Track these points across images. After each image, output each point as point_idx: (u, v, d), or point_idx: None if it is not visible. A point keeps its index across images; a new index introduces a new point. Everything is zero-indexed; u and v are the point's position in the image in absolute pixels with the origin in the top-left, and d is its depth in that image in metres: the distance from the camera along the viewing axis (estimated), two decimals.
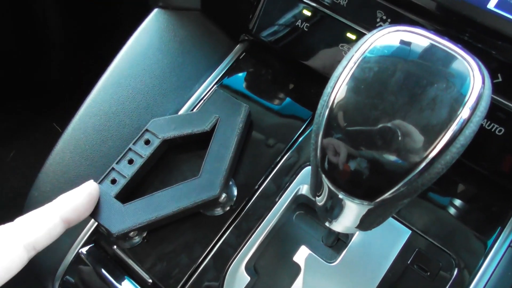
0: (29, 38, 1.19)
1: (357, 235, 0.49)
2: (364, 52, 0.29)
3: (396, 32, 0.29)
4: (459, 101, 0.27)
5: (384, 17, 0.47)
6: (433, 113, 0.27)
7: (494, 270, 0.46)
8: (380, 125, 0.27)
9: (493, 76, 0.43)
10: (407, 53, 0.28)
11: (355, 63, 0.29)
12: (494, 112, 0.45)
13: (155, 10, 0.64)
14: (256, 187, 0.53)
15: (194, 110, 0.59)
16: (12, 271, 0.38)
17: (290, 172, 0.53)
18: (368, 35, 0.30)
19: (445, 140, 0.27)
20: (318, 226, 0.52)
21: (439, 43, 0.28)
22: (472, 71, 0.27)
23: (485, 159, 0.48)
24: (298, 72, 0.59)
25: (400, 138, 0.27)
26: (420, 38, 0.28)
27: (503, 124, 0.45)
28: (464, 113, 0.27)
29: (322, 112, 0.30)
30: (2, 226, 0.39)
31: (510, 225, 0.48)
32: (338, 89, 0.29)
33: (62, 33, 1.22)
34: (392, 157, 0.27)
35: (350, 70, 0.29)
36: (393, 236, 0.48)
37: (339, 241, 0.51)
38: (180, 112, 0.59)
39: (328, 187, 0.32)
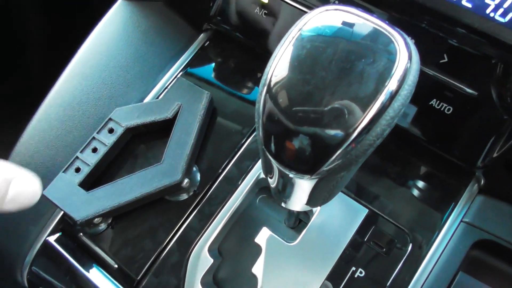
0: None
1: (317, 216, 0.50)
2: (298, 31, 0.30)
3: (328, 11, 0.30)
4: (385, 74, 0.28)
5: (337, 2, 0.48)
6: (361, 86, 0.28)
7: (447, 244, 0.47)
8: (312, 100, 0.29)
9: (439, 57, 0.45)
10: (338, 31, 0.29)
11: (290, 42, 0.30)
12: (442, 91, 0.46)
13: (119, 1, 0.64)
14: (219, 171, 0.54)
15: (158, 98, 0.59)
16: None
17: (252, 156, 0.54)
18: (303, 16, 0.31)
19: (373, 112, 0.28)
20: (281, 208, 0.53)
21: (368, 20, 0.29)
22: (399, 46, 0.28)
23: (438, 138, 0.50)
24: (259, 59, 0.60)
25: (331, 112, 0.28)
26: (350, 16, 0.30)
27: (451, 103, 0.46)
28: (392, 85, 0.28)
29: (261, 90, 0.31)
30: None
31: (462, 201, 0.50)
32: (274, 67, 0.30)
33: (41, 30, 1.21)
34: (325, 131, 0.29)
35: (286, 49, 0.30)
36: (351, 215, 0.50)
37: (301, 223, 0.52)
38: (145, 101, 0.60)
39: (273, 164, 0.33)
